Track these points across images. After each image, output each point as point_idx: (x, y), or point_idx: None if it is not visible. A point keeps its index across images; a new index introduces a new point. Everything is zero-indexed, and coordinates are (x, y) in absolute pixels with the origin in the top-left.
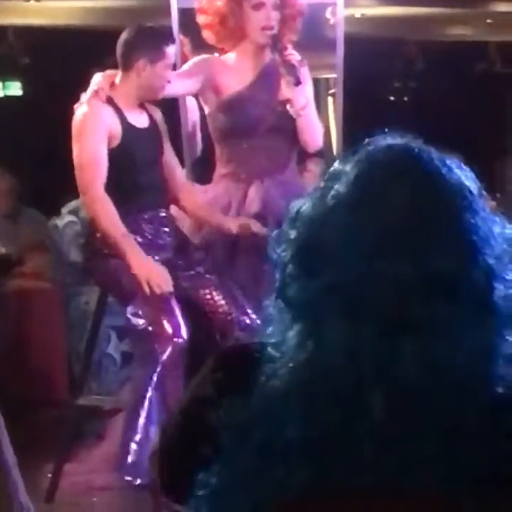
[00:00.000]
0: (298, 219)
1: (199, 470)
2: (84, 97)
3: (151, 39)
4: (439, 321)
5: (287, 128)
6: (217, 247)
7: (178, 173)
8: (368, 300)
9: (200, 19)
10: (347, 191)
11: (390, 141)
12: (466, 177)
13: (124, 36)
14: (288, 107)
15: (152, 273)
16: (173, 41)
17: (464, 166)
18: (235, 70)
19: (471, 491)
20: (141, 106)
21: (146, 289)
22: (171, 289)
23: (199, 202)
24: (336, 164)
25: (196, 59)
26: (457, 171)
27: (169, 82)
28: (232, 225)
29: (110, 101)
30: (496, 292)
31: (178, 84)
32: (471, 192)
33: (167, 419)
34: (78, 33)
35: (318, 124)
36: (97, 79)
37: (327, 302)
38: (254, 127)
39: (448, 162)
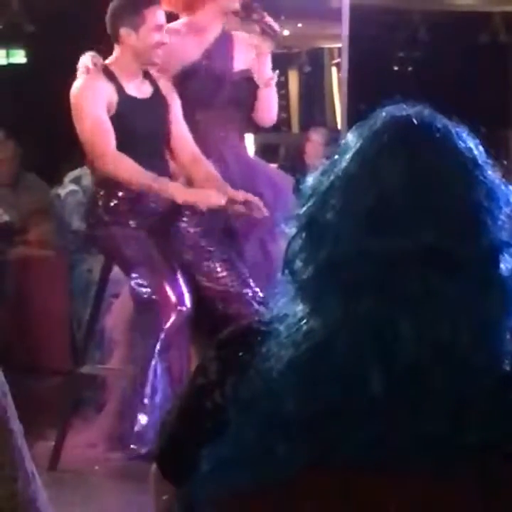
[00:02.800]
0: (305, 193)
1: (200, 448)
2: (80, 70)
3: (128, 6)
4: (439, 297)
5: (244, 100)
6: (221, 221)
7: (188, 145)
8: (365, 277)
9: None
10: (347, 166)
11: (398, 111)
12: (472, 145)
13: (108, 11)
14: (255, 76)
15: (202, 196)
16: (151, 3)
17: (470, 134)
18: (191, 38)
19: (475, 469)
20: (147, 76)
21: (203, 208)
22: (223, 202)
23: (209, 174)
24: (348, 136)
25: None
26: (463, 138)
27: (163, 43)
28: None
29: (107, 72)
30: (502, 264)
31: None
32: (477, 161)
33: (172, 401)
34: (82, 2)
35: (276, 97)
36: (90, 56)
37: (326, 278)
38: (211, 98)
39: (454, 130)
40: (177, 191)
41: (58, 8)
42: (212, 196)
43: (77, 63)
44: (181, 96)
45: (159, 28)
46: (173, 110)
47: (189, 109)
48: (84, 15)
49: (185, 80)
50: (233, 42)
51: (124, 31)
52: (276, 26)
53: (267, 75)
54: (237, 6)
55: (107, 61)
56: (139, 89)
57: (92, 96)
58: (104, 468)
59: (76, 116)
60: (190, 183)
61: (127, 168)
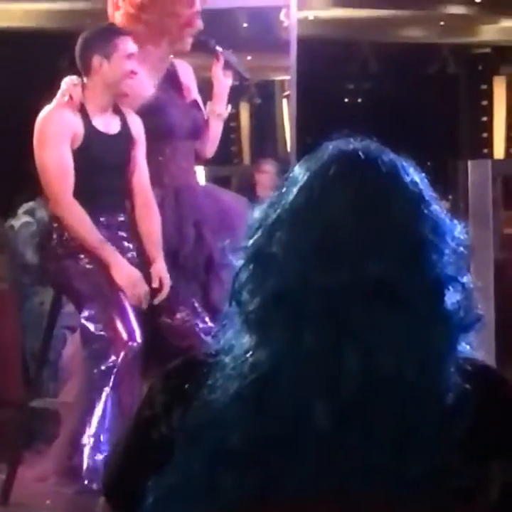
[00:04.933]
0: (251, 225)
1: (148, 479)
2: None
3: (99, 35)
4: (382, 330)
5: (197, 131)
6: (188, 263)
7: (144, 188)
8: (310, 310)
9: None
10: (294, 198)
11: (345, 145)
12: (418, 179)
13: (78, 42)
14: (208, 107)
15: (136, 284)
16: (121, 33)
17: (416, 168)
18: (146, 73)
19: (419, 501)
20: (117, 111)
21: (130, 299)
22: (146, 305)
23: (149, 224)
24: (295, 169)
25: None
26: (410, 173)
27: (134, 73)
28: (158, 268)
29: (76, 105)
30: (447, 299)
31: None
32: (423, 195)
33: (119, 434)
34: (37, 35)
35: (221, 130)
36: (65, 83)
37: (272, 310)
38: (170, 130)
39: (400, 164)
40: (115, 267)
41: (9, 42)
42: (137, 287)
43: (31, 95)
44: (145, 130)
45: (130, 56)
46: (137, 148)
47: (153, 142)
48: (39, 49)
49: (146, 113)
50: (181, 72)
51: (96, 60)
52: (234, 59)
53: (221, 108)
54: (188, 48)
55: (74, 95)
56: (107, 124)
57: (56, 130)
58: (56, 502)
59: (38, 146)
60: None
61: (79, 222)
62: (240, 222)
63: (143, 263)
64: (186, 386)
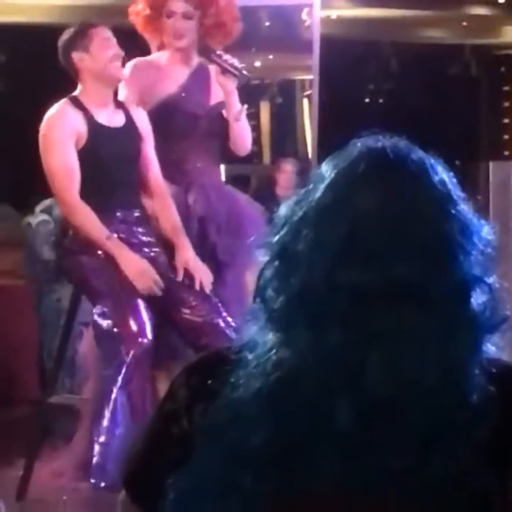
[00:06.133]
0: (277, 222)
1: (168, 473)
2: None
3: (73, 34)
4: (408, 332)
5: (219, 131)
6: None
7: (153, 176)
8: (335, 309)
9: (132, 18)
10: (321, 196)
11: (373, 142)
12: (447, 178)
13: (58, 48)
14: (223, 111)
15: (144, 273)
16: (93, 25)
17: (445, 168)
18: (167, 72)
19: (440, 504)
20: (119, 105)
21: (141, 289)
22: (159, 292)
23: (168, 214)
24: (322, 166)
25: (129, 68)
26: (438, 172)
27: (119, 55)
28: (185, 254)
29: (76, 102)
30: (473, 299)
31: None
32: (451, 195)
33: (137, 432)
34: (54, 31)
35: (249, 128)
36: None
37: (297, 309)
38: (189, 130)
39: (429, 163)
40: (122, 259)
41: (30, 38)
42: (145, 277)
43: (49, 92)
44: (159, 128)
45: (108, 41)
46: (146, 142)
47: (167, 141)
48: (56, 46)
49: (163, 112)
50: (210, 75)
51: (76, 56)
52: (236, 63)
53: (235, 111)
54: (177, 44)
55: (74, 93)
56: (110, 118)
57: (59, 134)
58: (72, 498)
59: (43, 150)
60: (153, 214)
61: (84, 221)
62: (251, 227)
63: (166, 254)
64: (209, 382)
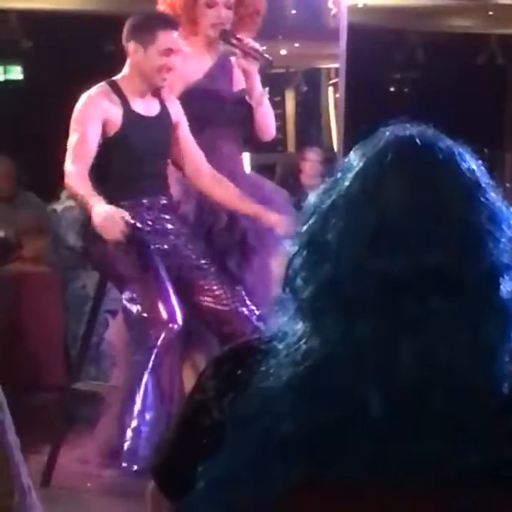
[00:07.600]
0: (306, 212)
1: (198, 463)
2: None
3: (143, 23)
4: (439, 320)
5: (243, 118)
6: (221, 240)
7: (204, 167)
8: (365, 298)
9: (160, 8)
10: (349, 185)
11: (401, 131)
12: (475, 166)
13: (125, 25)
14: (246, 97)
15: (109, 221)
16: (168, 27)
17: (473, 156)
18: (193, 60)
19: (474, 492)
20: (156, 94)
21: (106, 237)
22: (120, 236)
23: (232, 193)
24: (350, 155)
25: None
26: (466, 160)
27: (169, 68)
28: (272, 216)
29: (115, 87)
30: (502, 287)
31: None
32: (479, 183)
33: (166, 419)
34: (81, 18)
35: (272, 113)
36: None
37: (326, 298)
38: (213, 117)
39: (457, 151)
40: (93, 209)
41: (56, 25)
42: (110, 226)
43: (74, 80)
44: (186, 115)
45: (168, 52)
46: (182, 129)
47: (193, 128)
48: (81, 32)
49: (189, 99)
50: (232, 64)
51: (131, 46)
52: (257, 46)
53: (257, 93)
54: (211, 33)
55: (115, 77)
56: (146, 107)
57: (92, 108)
58: (97, 485)
59: (72, 121)
60: (219, 203)
61: (75, 180)
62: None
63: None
64: (239, 372)
